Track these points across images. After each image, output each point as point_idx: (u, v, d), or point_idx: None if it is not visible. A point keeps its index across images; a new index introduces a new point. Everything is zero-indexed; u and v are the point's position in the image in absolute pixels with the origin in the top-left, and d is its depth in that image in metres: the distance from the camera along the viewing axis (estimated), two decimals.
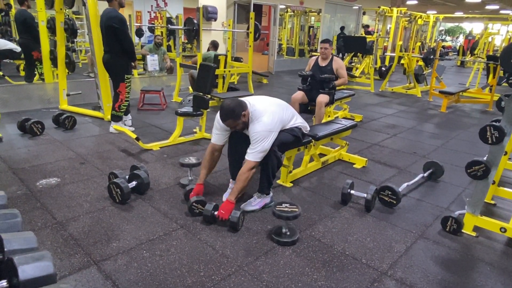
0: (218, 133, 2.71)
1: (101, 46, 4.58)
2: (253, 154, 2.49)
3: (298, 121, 2.82)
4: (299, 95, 4.41)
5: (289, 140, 2.73)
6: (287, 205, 2.30)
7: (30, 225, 2.34)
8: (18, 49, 6.61)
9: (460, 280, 2.04)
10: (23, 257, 1.26)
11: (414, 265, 2.15)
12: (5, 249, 1.34)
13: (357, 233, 2.46)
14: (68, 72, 5.21)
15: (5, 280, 1.25)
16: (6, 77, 6.34)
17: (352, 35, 13.36)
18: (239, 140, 2.77)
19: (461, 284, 2.02)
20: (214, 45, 6.75)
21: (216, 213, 2.43)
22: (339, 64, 4.45)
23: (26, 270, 1.22)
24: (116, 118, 4.34)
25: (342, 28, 12.86)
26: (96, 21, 4.47)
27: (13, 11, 8.72)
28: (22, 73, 7.22)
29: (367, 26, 14.45)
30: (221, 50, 9.13)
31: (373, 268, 2.10)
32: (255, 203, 2.66)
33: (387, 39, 13.04)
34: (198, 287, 1.88)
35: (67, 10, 5.08)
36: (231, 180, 2.89)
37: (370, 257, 2.20)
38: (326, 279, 1.99)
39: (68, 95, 5.22)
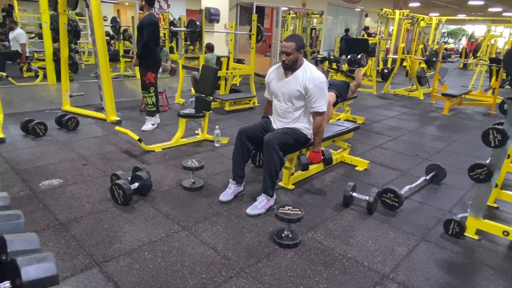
0: (268, 88, 2.99)
1: (104, 47, 4.61)
2: (323, 106, 2.72)
3: (309, 122, 2.88)
4: None
5: (291, 143, 2.75)
6: (290, 207, 2.30)
7: (33, 226, 2.35)
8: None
9: (462, 284, 2.03)
10: (26, 258, 1.26)
11: (416, 268, 2.14)
12: (8, 250, 1.35)
13: (359, 235, 2.45)
14: (71, 74, 5.22)
15: (8, 281, 1.25)
16: (10, 78, 6.37)
17: (355, 37, 13.35)
18: (244, 144, 2.79)
19: (463, 287, 2.01)
20: (209, 47, 6.77)
21: (307, 161, 2.86)
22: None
23: (29, 271, 1.22)
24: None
25: (346, 30, 12.85)
26: (99, 22, 4.49)
27: (16, 12, 8.78)
28: (26, 74, 7.27)
29: (367, 28, 14.45)
30: (223, 52, 9.16)
31: (375, 271, 2.10)
32: (260, 206, 2.66)
33: (389, 41, 13.04)
34: None
35: (70, 12, 5.10)
36: (230, 180, 2.89)
37: (372, 260, 2.19)
38: (328, 281, 1.98)
39: (71, 96, 5.24)
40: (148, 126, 4.62)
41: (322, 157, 2.87)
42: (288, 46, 2.64)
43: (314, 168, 3.43)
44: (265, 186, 2.69)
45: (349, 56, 5.21)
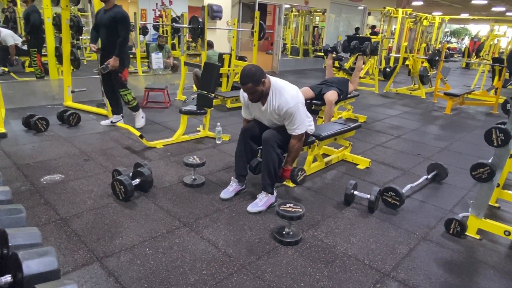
0: (245, 108, 2.89)
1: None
2: (297, 130, 2.62)
3: (307, 120, 2.82)
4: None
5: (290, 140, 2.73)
6: (291, 205, 2.30)
7: (34, 220, 2.35)
8: (24, 46, 6.64)
9: (463, 283, 2.03)
10: (27, 252, 1.26)
11: (417, 267, 2.14)
12: (10, 244, 1.35)
13: (360, 234, 2.45)
14: (73, 69, 5.22)
15: (10, 275, 1.26)
16: (12, 73, 6.37)
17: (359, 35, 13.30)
18: (247, 144, 2.79)
19: (464, 286, 2.01)
20: (209, 44, 6.76)
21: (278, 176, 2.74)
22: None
23: (31, 266, 1.22)
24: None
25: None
26: None
27: (19, 8, 8.76)
28: (28, 70, 7.26)
29: (374, 26, 14.40)
30: (225, 49, 9.14)
31: (375, 269, 2.10)
32: (261, 203, 2.66)
33: (392, 40, 12.99)
34: (201, 285, 1.88)
35: (72, 7, 5.09)
36: (232, 178, 2.89)
37: (372, 258, 2.19)
38: (328, 279, 1.98)
39: (73, 91, 5.24)
40: (140, 121, 4.50)
41: (289, 175, 2.72)
42: (247, 89, 2.51)
43: (315, 166, 3.43)
44: (264, 184, 2.69)
45: (353, 42, 5.19)
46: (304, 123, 2.67)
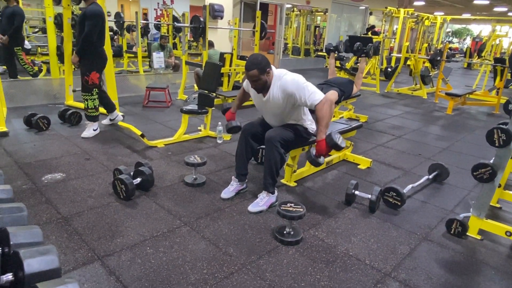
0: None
1: (108, 43, 4.60)
2: (314, 96, 2.45)
3: (309, 117, 2.82)
4: None
5: (293, 139, 2.72)
6: (292, 204, 2.30)
7: (35, 219, 2.36)
8: (28, 45, 6.65)
9: (464, 283, 2.03)
10: (28, 250, 1.27)
11: (418, 267, 2.14)
12: (11, 243, 1.35)
13: (361, 234, 2.45)
14: (74, 68, 5.23)
15: (11, 273, 1.26)
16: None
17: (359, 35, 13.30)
18: (248, 143, 2.79)
19: (465, 287, 2.00)
20: (209, 43, 6.76)
21: (314, 153, 2.52)
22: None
23: (32, 264, 1.23)
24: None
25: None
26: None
27: (20, 6, 8.77)
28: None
29: (373, 26, 14.38)
30: (226, 48, 9.14)
31: (376, 269, 2.10)
32: (262, 203, 2.65)
33: (393, 40, 12.97)
34: (201, 284, 1.88)
35: (74, 7, 5.09)
36: (233, 177, 2.89)
37: (373, 258, 2.19)
38: (329, 279, 1.98)
39: (74, 91, 5.24)
40: (89, 132, 4.04)
41: (325, 145, 2.46)
42: (252, 75, 2.48)
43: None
44: (266, 183, 2.69)
45: (357, 43, 5.19)
46: (316, 91, 2.50)
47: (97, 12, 3.69)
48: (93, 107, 4.00)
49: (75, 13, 4.94)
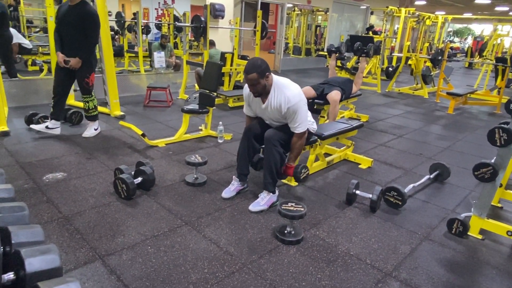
0: (247, 106, 2.87)
1: (109, 42, 4.61)
2: (299, 128, 2.62)
3: (309, 118, 2.82)
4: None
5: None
6: (293, 204, 2.30)
7: (37, 218, 2.36)
8: (29, 45, 6.65)
9: (465, 283, 2.03)
10: (30, 250, 1.27)
11: (419, 266, 2.14)
12: (13, 242, 1.36)
13: (361, 233, 2.45)
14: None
15: (12, 272, 1.26)
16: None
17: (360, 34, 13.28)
18: (250, 143, 2.79)
19: (466, 287, 2.00)
20: (210, 43, 6.76)
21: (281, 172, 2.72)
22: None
23: (33, 263, 1.23)
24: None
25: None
26: (105, 16, 4.49)
27: (22, 6, 8.79)
28: (30, 68, 7.29)
29: (372, 26, 14.36)
30: (227, 48, 9.14)
31: (377, 268, 2.09)
32: (263, 202, 2.65)
33: (394, 39, 12.96)
34: (202, 283, 1.88)
35: None
36: (234, 177, 2.89)
37: (374, 258, 2.19)
38: (330, 278, 1.98)
39: (75, 90, 5.24)
40: (90, 131, 4.05)
41: (292, 173, 2.71)
42: (251, 79, 2.48)
43: (317, 166, 3.42)
44: (266, 183, 2.69)
45: (357, 43, 5.18)
46: (306, 121, 2.68)
47: (96, 14, 3.64)
48: (93, 107, 4.01)
49: None
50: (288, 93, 2.54)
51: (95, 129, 4.12)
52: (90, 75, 3.83)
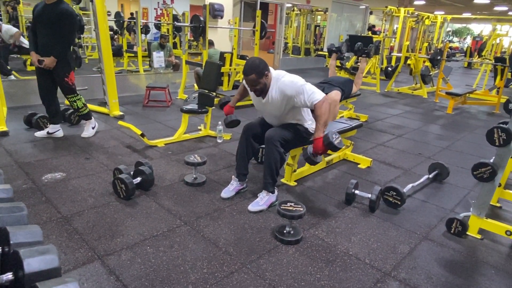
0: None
1: (108, 42, 4.61)
2: (314, 96, 2.43)
3: (309, 117, 2.81)
4: None
5: (293, 138, 2.72)
6: (292, 204, 2.30)
7: (35, 219, 2.36)
8: (27, 45, 6.64)
9: (464, 283, 2.03)
10: (28, 250, 1.27)
11: (418, 266, 2.14)
12: (11, 242, 1.35)
13: (361, 233, 2.45)
14: (74, 68, 5.23)
15: (11, 273, 1.26)
16: (13, 72, 6.37)
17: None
18: (249, 143, 2.79)
19: (465, 286, 2.00)
20: (209, 43, 6.76)
21: (311, 151, 2.47)
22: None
23: (32, 263, 1.22)
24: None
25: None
26: (103, 17, 4.48)
27: (21, 6, 8.78)
28: (29, 68, 7.27)
29: (373, 26, 14.37)
30: (226, 48, 9.14)
31: (376, 268, 2.10)
32: (262, 202, 2.65)
33: (393, 39, 12.96)
34: (201, 283, 1.88)
35: (74, 6, 5.08)
36: (233, 176, 2.89)
37: (373, 258, 2.19)
38: (329, 278, 1.98)
39: None
40: (88, 131, 4.01)
41: (322, 144, 2.42)
42: (250, 80, 2.48)
43: (316, 165, 3.42)
44: (266, 183, 2.69)
45: (358, 43, 5.18)
46: (318, 91, 2.48)
47: (73, 12, 3.52)
48: (82, 105, 3.92)
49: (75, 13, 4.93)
50: (288, 79, 2.53)
51: (93, 128, 4.08)
52: (69, 74, 3.69)
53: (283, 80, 2.53)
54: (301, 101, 2.50)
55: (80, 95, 3.90)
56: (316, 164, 2.61)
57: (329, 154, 3.60)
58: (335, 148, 2.44)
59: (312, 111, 2.56)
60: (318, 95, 2.47)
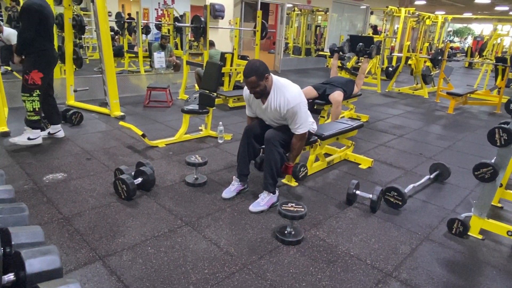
0: (248, 106, 2.88)
1: (109, 42, 4.61)
2: (299, 129, 2.63)
3: (309, 119, 2.81)
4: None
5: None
6: (293, 204, 2.30)
7: (37, 219, 2.36)
8: None
9: (465, 283, 2.03)
10: (30, 251, 1.27)
11: (419, 267, 2.14)
12: (13, 243, 1.35)
13: (362, 233, 2.45)
14: (75, 68, 5.24)
15: (12, 273, 1.26)
16: (14, 73, 6.39)
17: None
18: (250, 143, 2.79)
19: (466, 287, 2.00)
20: (210, 43, 6.76)
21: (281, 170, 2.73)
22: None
23: (33, 264, 1.22)
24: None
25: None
26: (104, 17, 4.49)
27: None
28: None
29: (376, 26, 14.35)
30: (227, 48, 9.14)
31: (377, 269, 2.09)
32: (263, 202, 2.65)
33: (394, 39, 12.95)
34: (202, 284, 1.88)
35: (75, 7, 5.09)
36: (234, 177, 2.89)
37: (374, 258, 2.19)
38: (330, 279, 1.98)
39: (75, 91, 5.25)
40: (22, 138, 3.60)
41: (291, 171, 2.75)
42: (250, 82, 2.49)
43: (317, 166, 3.42)
44: (266, 183, 2.69)
45: (360, 44, 5.18)
46: (307, 122, 2.68)
47: (31, 7, 3.31)
48: (31, 109, 3.54)
49: (76, 13, 4.94)
50: (288, 95, 2.54)
51: (30, 139, 3.60)
52: (30, 72, 3.43)
53: (286, 96, 2.54)
54: (288, 122, 2.64)
55: (35, 100, 3.53)
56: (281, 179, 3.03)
57: (329, 154, 3.60)
58: (297, 179, 2.86)
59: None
60: (302, 128, 2.64)
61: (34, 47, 3.42)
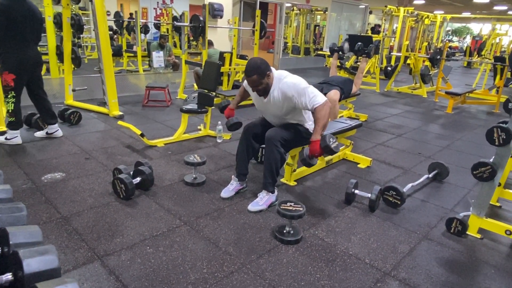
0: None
1: (108, 42, 4.60)
2: (316, 99, 2.43)
3: (310, 118, 2.80)
4: None
5: (293, 139, 2.72)
6: (291, 203, 2.30)
7: (35, 219, 2.36)
8: None
9: (464, 282, 2.03)
10: (28, 250, 1.27)
11: (417, 266, 2.14)
12: (10, 242, 1.35)
13: (360, 233, 2.45)
14: (74, 68, 5.22)
15: (10, 273, 1.26)
16: None
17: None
18: (249, 143, 2.79)
19: (465, 286, 2.00)
20: (209, 42, 6.76)
21: (308, 153, 2.48)
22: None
23: (31, 264, 1.22)
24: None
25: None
26: (102, 17, 4.48)
27: None
28: None
29: (379, 25, 14.34)
30: (226, 47, 9.13)
31: (376, 268, 2.10)
32: (262, 202, 2.65)
33: (393, 38, 12.96)
34: (201, 283, 1.88)
35: (73, 6, 5.08)
36: (233, 176, 2.89)
37: (373, 257, 2.19)
38: (329, 278, 1.98)
39: (74, 90, 5.24)
40: (1, 137, 3.61)
41: (319, 147, 2.42)
42: (252, 81, 2.48)
43: (316, 165, 3.41)
44: (266, 183, 2.68)
45: (358, 43, 5.17)
46: (320, 94, 2.48)
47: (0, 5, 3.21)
48: (10, 111, 3.49)
49: (74, 12, 4.93)
50: (290, 80, 2.53)
51: (7, 139, 3.59)
52: (2, 73, 3.37)
53: (285, 81, 2.53)
54: (302, 104, 2.49)
55: (9, 102, 3.45)
56: (312, 166, 2.63)
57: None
58: (331, 152, 2.44)
59: (313, 113, 2.55)
60: (319, 98, 2.47)
61: (2, 48, 3.35)
